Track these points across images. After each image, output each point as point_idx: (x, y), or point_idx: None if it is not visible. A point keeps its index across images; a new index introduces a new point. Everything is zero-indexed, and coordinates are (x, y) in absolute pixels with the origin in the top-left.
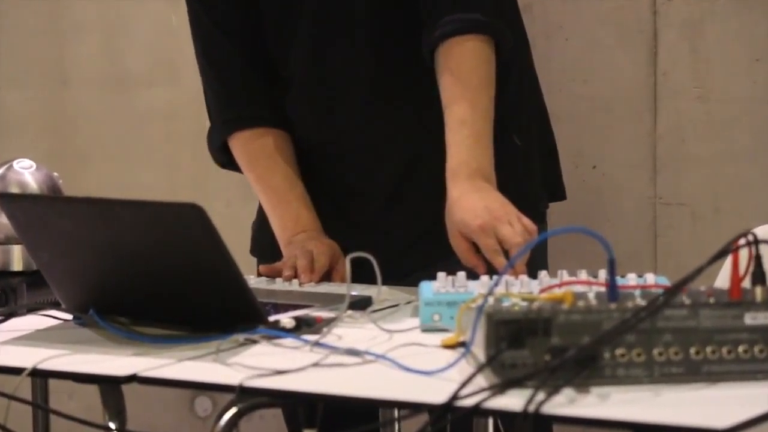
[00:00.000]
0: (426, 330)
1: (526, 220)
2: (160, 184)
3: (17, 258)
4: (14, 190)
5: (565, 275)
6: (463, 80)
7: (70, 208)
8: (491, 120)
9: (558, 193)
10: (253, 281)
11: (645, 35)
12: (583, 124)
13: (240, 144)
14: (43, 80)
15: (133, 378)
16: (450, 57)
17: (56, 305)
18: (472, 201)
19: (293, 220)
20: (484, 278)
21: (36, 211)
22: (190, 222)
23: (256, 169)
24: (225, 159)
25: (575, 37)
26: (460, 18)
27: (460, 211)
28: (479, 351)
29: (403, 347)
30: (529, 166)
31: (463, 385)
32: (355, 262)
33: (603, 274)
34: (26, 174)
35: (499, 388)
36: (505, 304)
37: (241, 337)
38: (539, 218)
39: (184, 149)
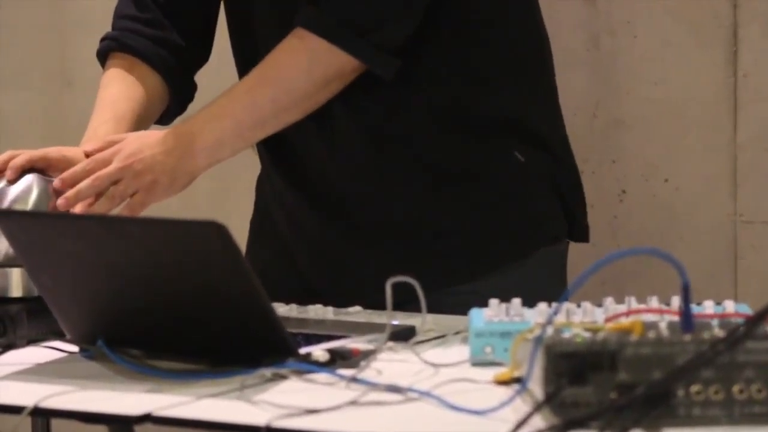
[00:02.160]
0: (476, 364)
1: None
2: (174, 198)
3: (16, 282)
4: (13, 204)
5: (633, 303)
6: (257, 69)
7: (76, 226)
8: (248, 113)
9: (579, 232)
10: (282, 309)
11: (724, 31)
12: (653, 131)
13: (112, 66)
14: (45, 81)
15: (146, 418)
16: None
17: (60, 336)
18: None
19: (92, 131)
20: (542, 306)
21: (37, 230)
22: (210, 242)
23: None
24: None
25: (644, 33)
26: (309, 9)
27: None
28: (537, 388)
29: (450, 383)
30: (535, 185)
31: (519, 425)
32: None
33: (676, 302)
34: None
35: (559, 430)
36: (566, 334)
37: (268, 371)
38: (556, 258)
39: None
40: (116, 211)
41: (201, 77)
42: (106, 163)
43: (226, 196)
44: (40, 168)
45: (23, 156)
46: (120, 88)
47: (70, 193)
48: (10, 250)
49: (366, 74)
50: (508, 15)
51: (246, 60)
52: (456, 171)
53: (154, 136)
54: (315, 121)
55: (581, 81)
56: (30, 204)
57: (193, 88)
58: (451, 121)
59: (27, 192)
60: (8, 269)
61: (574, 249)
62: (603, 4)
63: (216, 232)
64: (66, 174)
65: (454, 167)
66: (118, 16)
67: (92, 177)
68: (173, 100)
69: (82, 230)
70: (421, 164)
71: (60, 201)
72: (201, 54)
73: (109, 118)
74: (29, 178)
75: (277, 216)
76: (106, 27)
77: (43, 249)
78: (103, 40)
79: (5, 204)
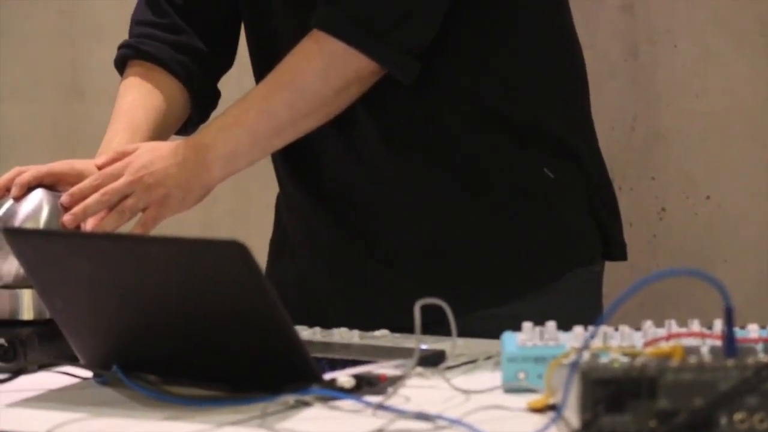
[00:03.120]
0: (509, 390)
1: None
2: (193, 216)
3: (27, 305)
4: (23, 222)
5: (673, 326)
6: (273, 75)
7: (89, 245)
8: (263, 118)
9: (615, 250)
10: (306, 332)
11: None
12: (694, 146)
13: (129, 75)
14: (54, 91)
15: None
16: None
17: (73, 360)
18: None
19: (107, 143)
20: (578, 330)
21: (49, 249)
22: (230, 261)
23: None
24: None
25: (685, 42)
26: (325, 10)
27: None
28: (572, 415)
29: (482, 410)
30: (566, 203)
31: None
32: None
33: (719, 325)
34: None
35: None
36: (603, 359)
37: (291, 398)
38: (591, 279)
39: None
40: (128, 227)
41: (221, 85)
42: (116, 176)
43: (246, 214)
44: (49, 183)
45: (29, 172)
46: (136, 97)
47: (77, 208)
48: (21, 271)
49: (389, 77)
50: (536, 20)
51: (264, 65)
52: (484, 186)
53: (167, 147)
54: (336, 129)
55: (618, 92)
56: (41, 222)
57: (215, 95)
58: (479, 130)
59: (37, 210)
60: (18, 291)
61: (612, 270)
62: (642, 12)
63: (236, 251)
64: (74, 189)
65: (481, 181)
66: (135, 22)
67: (101, 191)
68: (195, 107)
69: (96, 249)
70: (449, 178)
71: (66, 217)
72: (223, 60)
73: (123, 129)
74: (39, 195)
75: (296, 233)
76: (119, 35)
77: (55, 269)
78: (119, 48)
79: (15, 222)
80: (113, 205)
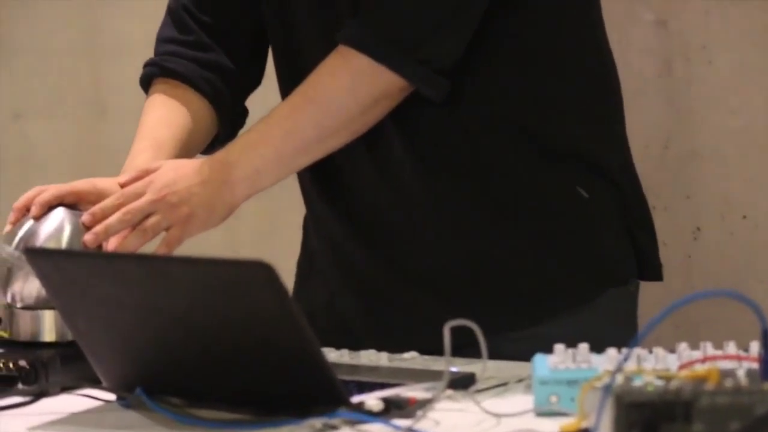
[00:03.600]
0: (541, 414)
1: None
2: (218, 236)
3: (49, 326)
4: (45, 242)
5: (709, 349)
6: (298, 91)
7: (113, 266)
8: (288, 138)
9: (650, 270)
10: (333, 354)
11: None
12: (730, 164)
13: (153, 93)
14: (77, 109)
15: None
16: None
17: (96, 383)
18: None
19: (130, 161)
20: (611, 352)
21: (71, 270)
22: (256, 282)
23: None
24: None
25: (721, 58)
26: (352, 25)
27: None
28: None
29: None
30: (601, 223)
31: None
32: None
33: (755, 348)
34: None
35: None
36: (637, 383)
37: (318, 421)
38: (625, 300)
39: None
40: (150, 246)
41: (246, 102)
42: (139, 195)
43: (271, 234)
44: (70, 203)
45: (49, 191)
46: (160, 114)
47: (98, 227)
48: (42, 292)
49: (419, 95)
50: (569, 37)
51: (290, 82)
52: (516, 205)
53: (190, 166)
54: (365, 147)
55: (653, 110)
56: (63, 242)
57: (243, 113)
58: (511, 149)
59: (59, 229)
60: (40, 312)
61: (646, 291)
62: (676, 27)
63: (262, 272)
64: (95, 208)
65: (514, 201)
66: (160, 40)
67: (123, 210)
68: (222, 126)
69: (120, 270)
70: (480, 197)
71: (88, 236)
72: (251, 77)
73: (147, 147)
74: (60, 214)
75: (323, 254)
76: (142, 52)
77: (78, 290)
78: (145, 66)
79: (36, 242)
80: (136, 224)
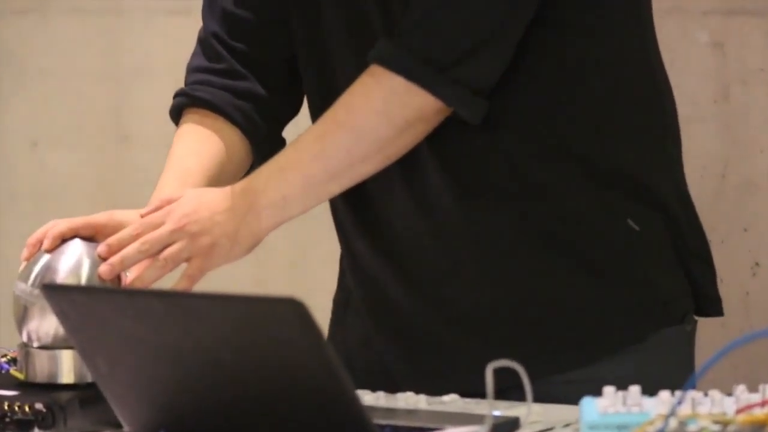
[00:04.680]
0: None
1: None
2: (246, 270)
3: (68, 367)
4: (67, 278)
5: None
6: (328, 114)
7: (134, 303)
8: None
9: (708, 305)
10: (369, 397)
11: None
12: None
13: (183, 123)
14: (98, 136)
15: None
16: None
17: (117, 427)
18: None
19: (156, 194)
20: (664, 395)
21: (91, 307)
22: (287, 321)
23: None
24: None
25: None
26: (384, 44)
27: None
28: None
29: None
30: (654, 257)
31: None
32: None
33: None
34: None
35: None
36: (692, 427)
37: None
38: (681, 340)
39: None
40: (168, 280)
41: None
42: (158, 225)
43: (303, 269)
44: (87, 235)
45: (63, 223)
46: (188, 144)
47: (114, 258)
48: (61, 330)
49: (458, 116)
50: (616, 54)
51: (321, 106)
52: (564, 237)
53: (213, 193)
54: (400, 175)
55: (708, 137)
56: (82, 277)
57: (280, 143)
58: (555, 173)
59: (77, 264)
60: (58, 351)
61: (702, 329)
62: (733, 50)
63: (293, 309)
64: (112, 239)
65: (561, 232)
66: (189, 70)
67: (140, 240)
68: (257, 156)
69: (142, 307)
70: (524, 229)
71: (103, 268)
72: (288, 105)
73: (174, 178)
74: (78, 248)
75: (359, 291)
76: (166, 76)
77: (98, 328)
78: (174, 97)
79: (54, 278)
80: (154, 254)
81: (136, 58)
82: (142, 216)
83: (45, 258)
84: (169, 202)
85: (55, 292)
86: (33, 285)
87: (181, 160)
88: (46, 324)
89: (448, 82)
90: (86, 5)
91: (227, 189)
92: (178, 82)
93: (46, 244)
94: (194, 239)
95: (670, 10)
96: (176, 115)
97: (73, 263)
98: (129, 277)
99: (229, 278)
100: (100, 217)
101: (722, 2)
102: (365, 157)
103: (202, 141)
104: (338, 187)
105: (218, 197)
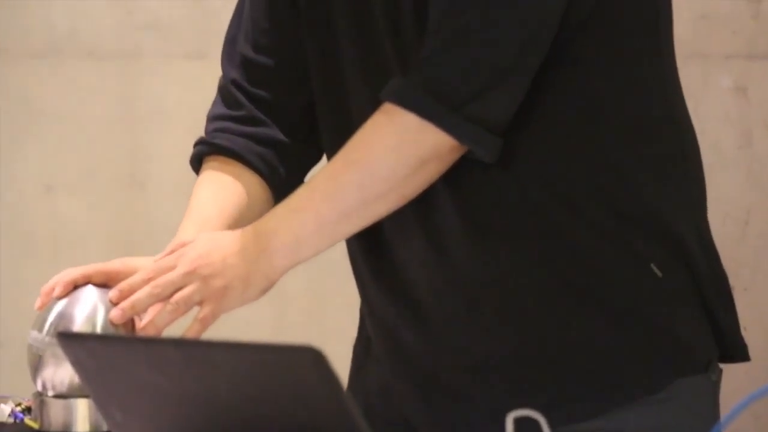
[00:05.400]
0: None
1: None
2: (264, 316)
3: (82, 416)
4: (81, 326)
5: None
6: (341, 153)
7: (150, 351)
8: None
9: (733, 351)
10: None
11: None
12: None
13: (203, 171)
14: (112, 182)
15: None
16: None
17: None
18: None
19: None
20: None
21: (107, 355)
22: (306, 370)
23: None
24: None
25: None
26: (397, 81)
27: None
28: None
29: None
30: (676, 305)
31: None
32: None
33: None
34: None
35: None
36: None
37: None
38: (706, 388)
39: (293, 274)
40: (179, 326)
41: None
42: (170, 268)
43: (322, 315)
44: (100, 282)
45: (76, 270)
46: (207, 192)
47: (125, 303)
48: (75, 379)
49: (471, 154)
50: (636, 92)
51: (338, 145)
52: (584, 282)
53: (226, 236)
54: (415, 215)
55: (731, 183)
56: (97, 325)
57: None
58: (575, 215)
59: (92, 312)
60: (73, 400)
61: (726, 378)
62: (756, 94)
63: (312, 358)
64: (123, 284)
65: (581, 277)
66: (210, 118)
67: (151, 284)
68: (278, 202)
69: (159, 355)
70: (543, 274)
71: (114, 312)
72: (309, 151)
73: (192, 226)
74: (93, 296)
75: (378, 338)
76: (182, 122)
77: (114, 377)
78: (194, 146)
79: (69, 326)
80: (166, 298)
81: (152, 102)
82: (156, 260)
83: (58, 306)
84: (183, 245)
85: (70, 341)
86: (47, 333)
87: (200, 208)
88: (60, 372)
89: (462, 120)
90: (101, 49)
91: (240, 231)
92: (194, 127)
93: (57, 291)
94: (206, 282)
95: (691, 55)
96: (196, 164)
97: (87, 310)
98: (144, 322)
99: (246, 325)
100: (114, 264)
101: (744, 46)
102: (378, 196)
103: (221, 188)
104: (351, 227)
105: (231, 240)
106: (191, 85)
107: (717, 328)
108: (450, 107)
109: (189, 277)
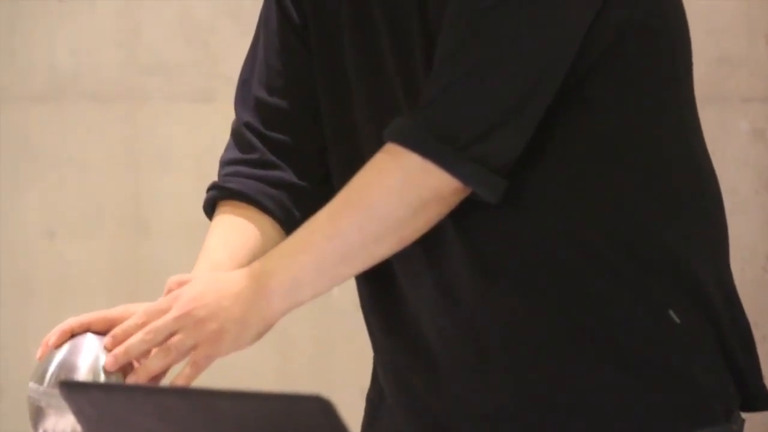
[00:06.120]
0: None
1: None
2: (268, 365)
3: None
4: (83, 375)
5: None
6: (341, 193)
7: (153, 400)
8: (327, 245)
9: (755, 399)
10: None
11: None
12: None
13: (216, 215)
14: (116, 226)
15: None
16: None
17: None
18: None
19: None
20: None
21: (109, 404)
22: (313, 420)
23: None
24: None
25: None
26: (400, 121)
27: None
28: None
29: None
30: (695, 353)
31: None
32: None
33: None
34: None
35: None
36: None
37: None
38: None
39: (299, 321)
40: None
41: None
42: (163, 311)
43: (329, 363)
44: (103, 330)
45: (74, 319)
46: (219, 236)
47: (118, 350)
48: (78, 427)
49: (475, 196)
50: (659, 134)
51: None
52: (599, 330)
53: (222, 277)
54: (425, 259)
55: (750, 229)
56: (100, 374)
57: None
58: (591, 260)
59: (95, 361)
60: None
61: (747, 427)
62: None
63: (319, 408)
64: (117, 329)
65: (597, 324)
66: (222, 163)
67: (144, 330)
68: None
69: (162, 404)
70: (557, 317)
71: (108, 360)
72: (323, 194)
73: (203, 271)
74: (94, 344)
75: (388, 387)
76: (188, 165)
77: (116, 426)
78: (207, 191)
79: (71, 375)
80: (160, 343)
81: (156, 146)
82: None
83: (58, 356)
84: (180, 284)
85: (72, 390)
86: (48, 385)
87: (211, 252)
88: (62, 423)
89: (466, 161)
90: (105, 91)
91: (237, 272)
92: (200, 170)
93: (52, 340)
94: (200, 325)
95: (708, 98)
96: (209, 209)
97: (88, 359)
98: (139, 372)
99: (249, 373)
100: (117, 311)
101: (763, 89)
102: (378, 237)
103: (233, 232)
104: (351, 270)
105: (227, 280)
106: (196, 129)
107: (738, 377)
108: (454, 148)
109: (182, 320)
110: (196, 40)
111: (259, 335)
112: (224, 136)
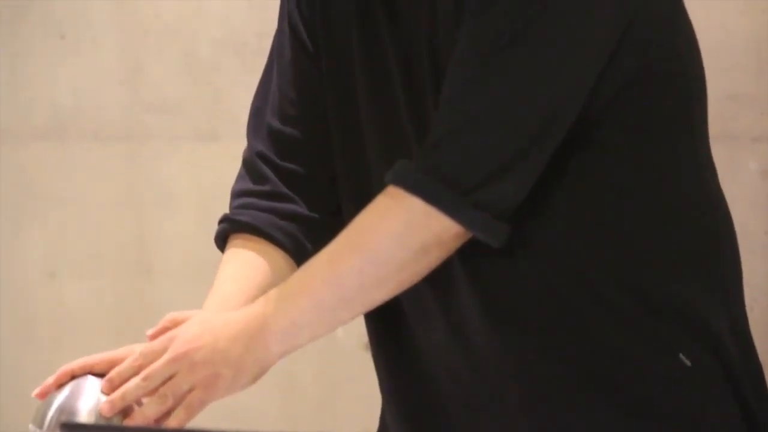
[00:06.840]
0: None
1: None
2: (272, 405)
3: None
4: (83, 418)
5: None
6: (341, 236)
7: None
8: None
9: None
10: None
11: None
12: None
13: (227, 249)
14: (118, 267)
15: None
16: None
17: None
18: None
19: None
20: None
21: None
22: None
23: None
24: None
25: None
26: (402, 165)
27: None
28: None
29: None
30: (705, 396)
31: None
32: None
33: None
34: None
35: None
36: None
37: None
38: None
39: (303, 361)
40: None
41: None
42: (158, 353)
43: (332, 406)
44: (105, 372)
45: (75, 362)
46: (229, 270)
47: (115, 395)
48: None
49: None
50: (672, 179)
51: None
52: (609, 374)
53: (219, 319)
54: (434, 300)
55: (759, 269)
56: (101, 417)
57: None
58: (601, 305)
59: (95, 404)
60: None
61: None
62: None
63: None
64: (113, 373)
65: (606, 368)
66: (234, 194)
67: (141, 375)
68: None
69: None
70: (567, 361)
71: (104, 406)
72: (335, 225)
73: (213, 305)
74: (95, 386)
75: (395, 427)
76: (191, 205)
77: None
78: (218, 224)
79: (71, 419)
80: (156, 389)
81: (159, 186)
82: (149, 335)
83: (57, 399)
84: (175, 323)
85: None
86: (48, 428)
87: (221, 286)
88: None
89: (469, 207)
90: (107, 130)
91: (234, 314)
92: (203, 210)
93: (50, 382)
94: (195, 369)
95: (717, 137)
96: (221, 242)
97: (87, 403)
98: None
99: (256, 414)
100: (119, 353)
101: None
102: (378, 281)
103: (243, 265)
104: (350, 313)
105: (224, 322)
106: (200, 168)
107: (751, 421)
108: (457, 193)
109: (178, 363)
110: (200, 78)
111: (255, 379)
112: (228, 174)
